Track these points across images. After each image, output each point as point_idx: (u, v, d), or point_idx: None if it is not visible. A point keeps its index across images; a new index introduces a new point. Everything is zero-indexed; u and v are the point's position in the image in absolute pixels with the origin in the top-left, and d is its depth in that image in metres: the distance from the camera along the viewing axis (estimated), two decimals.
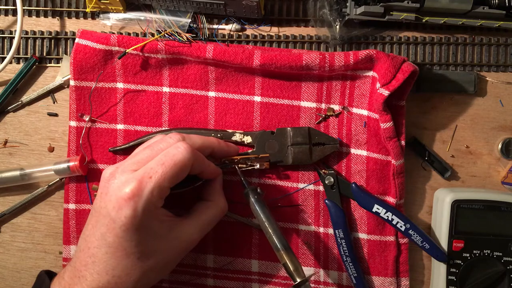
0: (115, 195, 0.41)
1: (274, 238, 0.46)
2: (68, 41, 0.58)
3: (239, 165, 0.52)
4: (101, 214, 0.42)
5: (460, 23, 0.54)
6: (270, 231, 0.47)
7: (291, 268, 0.45)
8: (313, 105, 0.55)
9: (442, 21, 0.54)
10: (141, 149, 0.46)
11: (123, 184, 0.42)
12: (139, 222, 0.41)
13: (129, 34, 0.57)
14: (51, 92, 0.58)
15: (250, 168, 0.53)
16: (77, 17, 0.58)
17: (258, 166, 0.53)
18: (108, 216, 0.42)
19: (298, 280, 0.44)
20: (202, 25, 0.56)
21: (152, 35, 0.55)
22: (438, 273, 0.54)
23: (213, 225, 0.50)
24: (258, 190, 0.49)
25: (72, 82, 0.55)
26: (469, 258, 0.53)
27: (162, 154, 0.43)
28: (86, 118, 0.55)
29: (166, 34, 0.54)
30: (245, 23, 0.57)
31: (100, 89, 0.55)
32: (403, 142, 0.53)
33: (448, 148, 0.57)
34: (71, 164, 0.53)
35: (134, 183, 0.41)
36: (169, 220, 0.45)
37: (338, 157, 0.56)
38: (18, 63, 0.58)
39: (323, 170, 0.55)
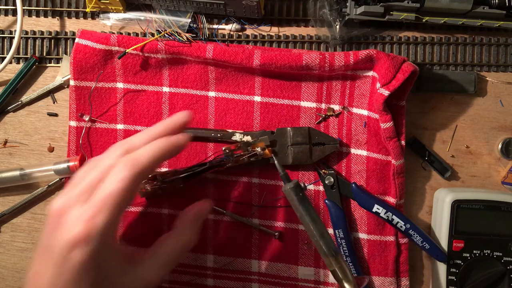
0: (66, 235, 0.38)
1: (321, 243, 0.42)
2: (68, 41, 0.58)
3: (239, 152, 0.52)
4: (50, 252, 0.39)
5: (460, 23, 0.54)
6: (316, 234, 0.42)
7: (341, 276, 0.42)
8: (313, 105, 0.55)
9: (442, 21, 0.54)
10: (85, 170, 0.43)
11: (74, 223, 0.38)
12: (92, 263, 0.38)
13: (129, 34, 0.57)
14: (51, 92, 0.58)
15: (252, 154, 0.52)
16: (77, 17, 0.58)
17: (259, 149, 0.52)
18: (59, 256, 0.38)
19: None
20: (202, 25, 0.56)
21: (152, 35, 0.55)
22: (438, 273, 0.54)
23: (177, 261, 0.46)
24: (302, 185, 0.43)
25: (72, 82, 0.55)
26: (469, 258, 0.53)
27: (101, 190, 0.39)
28: (86, 118, 0.55)
29: (166, 34, 0.54)
30: (245, 23, 0.57)
31: (100, 89, 0.55)
32: (403, 142, 0.53)
33: (448, 148, 0.57)
34: (71, 164, 0.53)
35: (84, 223, 0.38)
36: (125, 260, 0.43)
37: (338, 157, 0.56)
38: (18, 63, 0.58)
39: (323, 170, 0.55)
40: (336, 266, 0.43)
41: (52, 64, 0.58)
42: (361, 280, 0.45)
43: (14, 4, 0.56)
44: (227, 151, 0.53)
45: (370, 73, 0.54)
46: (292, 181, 0.43)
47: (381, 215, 0.52)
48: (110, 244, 0.40)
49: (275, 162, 0.46)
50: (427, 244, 0.53)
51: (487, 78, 0.57)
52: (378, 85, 0.51)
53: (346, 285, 0.42)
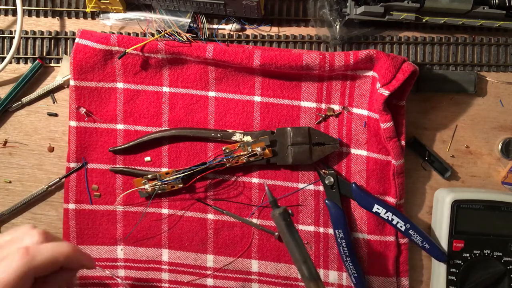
0: None
1: (304, 268, 0.43)
2: (68, 41, 0.58)
3: (239, 152, 0.52)
4: None
5: (460, 23, 0.54)
6: (300, 259, 0.43)
7: None
8: (313, 105, 0.55)
9: (442, 21, 0.54)
10: None
11: None
12: None
13: (129, 34, 0.57)
14: (51, 92, 0.57)
15: (252, 154, 0.52)
16: (77, 17, 0.58)
17: (259, 149, 0.52)
18: None
19: None
20: (202, 25, 0.56)
21: (152, 35, 0.55)
22: (438, 273, 0.54)
23: None
24: (290, 211, 0.46)
25: (72, 82, 0.55)
26: (469, 258, 0.53)
27: None
28: (83, 111, 0.55)
29: (166, 34, 0.54)
30: (245, 23, 0.57)
31: (100, 89, 0.55)
32: (403, 142, 0.53)
33: (448, 148, 0.57)
34: None
35: None
36: None
37: (338, 157, 0.56)
38: (18, 63, 0.58)
39: (323, 170, 0.55)
40: None
41: (52, 64, 0.58)
42: None
43: (14, 4, 0.56)
44: (227, 151, 0.53)
45: (370, 73, 0.54)
46: (280, 207, 0.43)
47: (381, 215, 0.52)
48: None
49: (266, 188, 0.46)
50: (427, 244, 0.53)
51: (487, 78, 0.57)
52: (378, 85, 0.51)
53: None
